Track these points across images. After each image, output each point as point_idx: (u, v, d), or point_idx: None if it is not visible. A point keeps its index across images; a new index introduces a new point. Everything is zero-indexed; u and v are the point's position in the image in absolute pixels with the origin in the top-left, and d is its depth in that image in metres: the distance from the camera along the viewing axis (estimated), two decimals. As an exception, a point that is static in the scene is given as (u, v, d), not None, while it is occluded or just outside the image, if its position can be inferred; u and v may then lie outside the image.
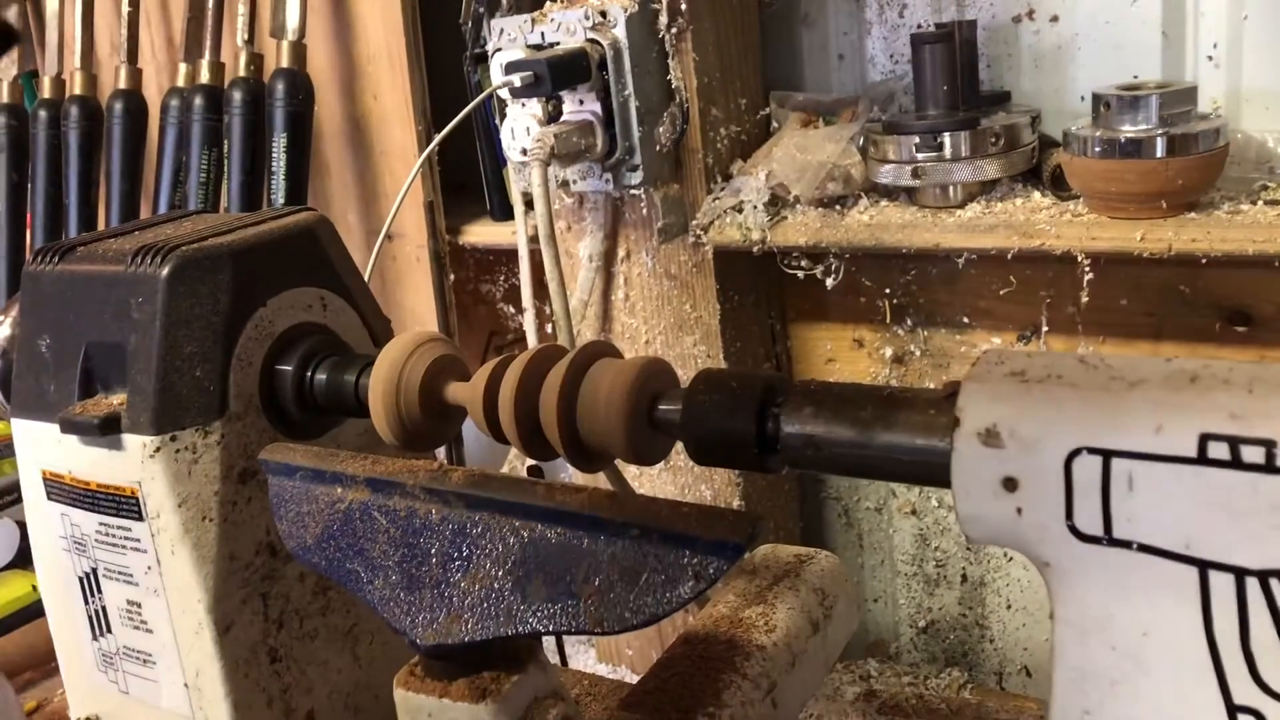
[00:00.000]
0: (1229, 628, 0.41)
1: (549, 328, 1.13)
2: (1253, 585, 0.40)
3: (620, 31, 0.98)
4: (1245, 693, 0.41)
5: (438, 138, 1.08)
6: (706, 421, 0.54)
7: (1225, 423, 0.40)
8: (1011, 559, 1.18)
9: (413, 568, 0.54)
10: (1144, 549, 0.42)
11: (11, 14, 1.64)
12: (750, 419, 0.52)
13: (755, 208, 1.02)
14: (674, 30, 1.01)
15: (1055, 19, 1.01)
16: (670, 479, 1.16)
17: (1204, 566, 0.41)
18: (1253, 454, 0.39)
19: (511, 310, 1.45)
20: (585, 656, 1.33)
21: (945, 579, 1.23)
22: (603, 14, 0.98)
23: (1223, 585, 0.41)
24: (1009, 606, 1.19)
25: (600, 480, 0.95)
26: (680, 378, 0.60)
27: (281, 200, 1.30)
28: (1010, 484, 0.44)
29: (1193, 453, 0.40)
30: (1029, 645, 1.20)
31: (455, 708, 0.51)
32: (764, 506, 1.20)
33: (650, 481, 1.16)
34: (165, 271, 0.66)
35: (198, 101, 1.38)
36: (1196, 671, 0.42)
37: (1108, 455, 0.42)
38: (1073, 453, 0.42)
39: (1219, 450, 0.40)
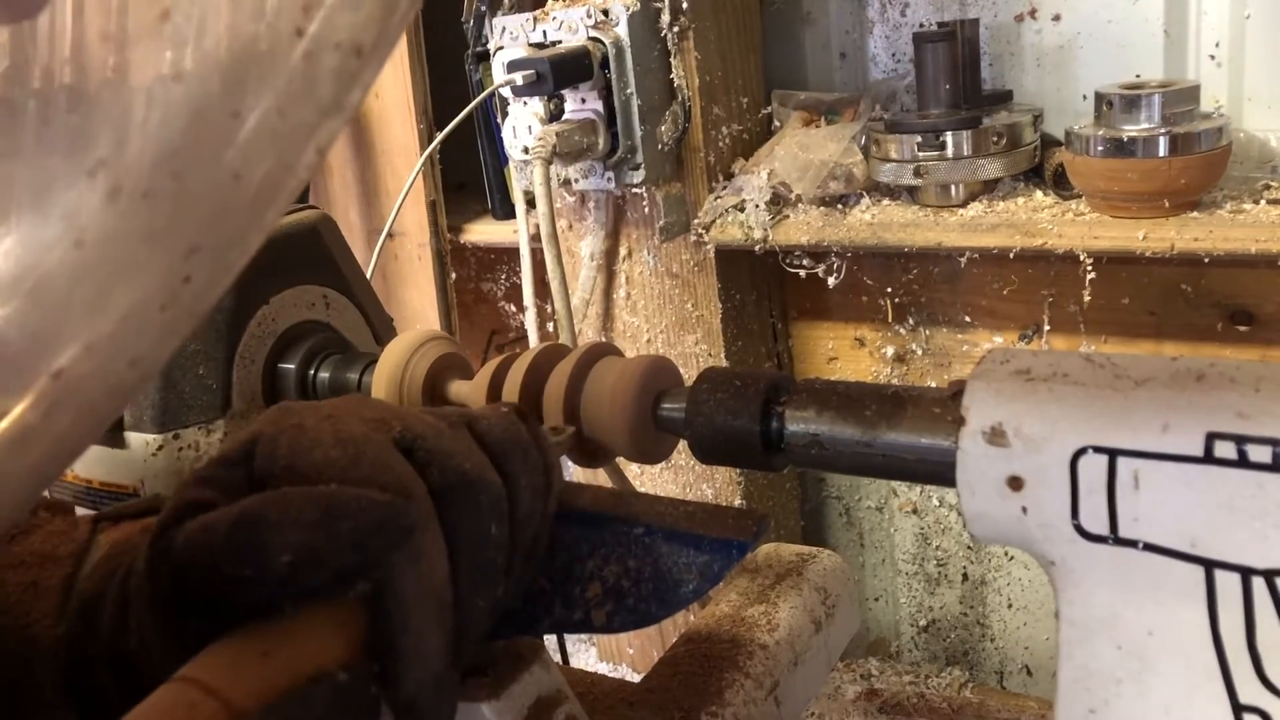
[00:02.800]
0: (1235, 627, 0.41)
1: (550, 326, 1.13)
2: (1259, 584, 0.40)
3: (622, 30, 0.98)
4: (1251, 692, 0.41)
5: (439, 136, 1.08)
6: (711, 420, 0.54)
7: (1232, 422, 0.40)
8: (1013, 558, 1.18)
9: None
10: (1149, 548, 0.42)
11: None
12: (754, 418, 0.52)
13: (757, 206, 1.02)
14: (676, 29, 1.00)
15: (1057, 18, 1.01)
16: (671, 477, 1.16)
17: (1210, 566, 0.41)
18: (1259, 453, 0.39)
19: (513, 309, 1.45)
20: (586, 655, 1.33)
21: (946, 578, 1.23)
22: (605, 12, 0.98)
23: (1229, 585, 0.41)
24: (1010, 605, 1.19)
25: (602, 478, 0.95)
26: (682, 376, 0.60)
27: (282, 198, 1.29)
28: (1015, 483, 0.44)
29: (1199, 452, 0.40)
30: (1030, 644, 1.20)
31: (460, 707, 0.51)
32: (765, 505, 1.20)
33: (651, 479, 1.16)
34: (168, 269, 0.66)
35: (198, 99, 1.37)
36: (1202, 671, 0.42)
37: (1113, 454, 0.42)
38: (1078, 451, 0.42)
39: (1225, 450, 0.40)
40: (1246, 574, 0.40)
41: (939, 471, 0.47)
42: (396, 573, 0.38)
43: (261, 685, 0.35)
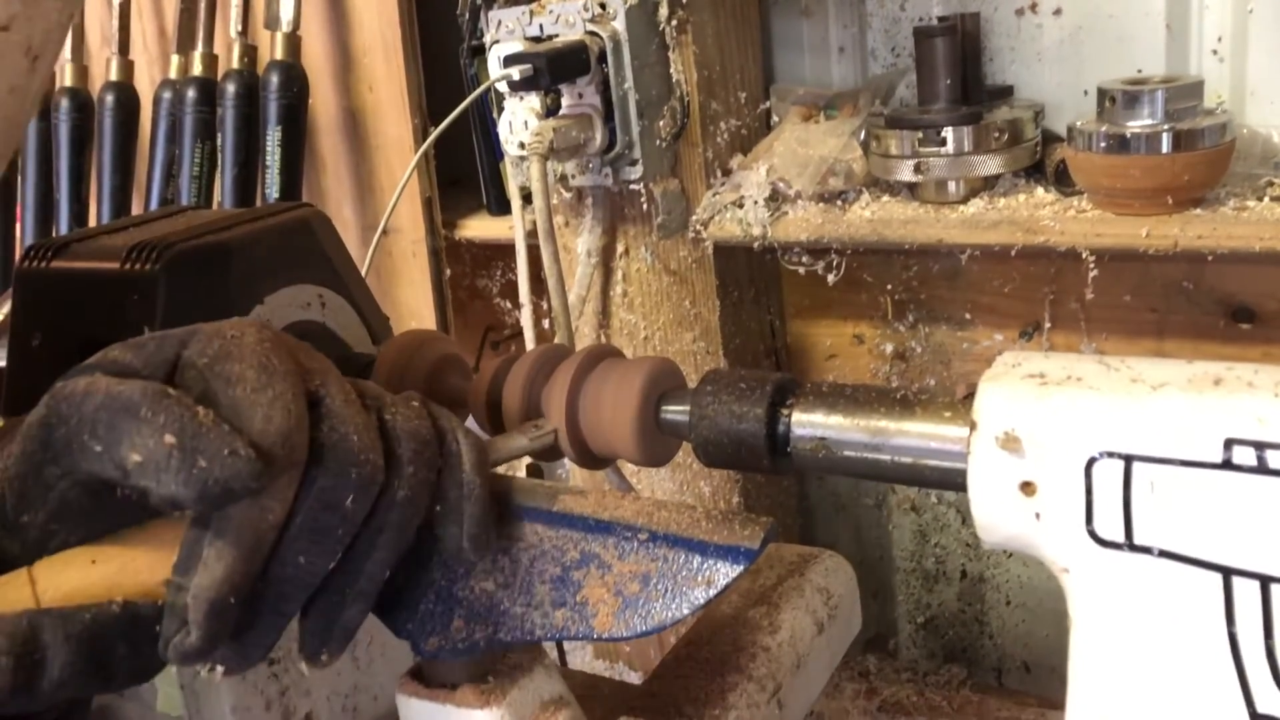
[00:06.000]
0: (1253, 635, 0.40)
1: (546, 323, 1.12)
2: (1278, 592, 0.39)
3: (620, 24, 0.97)
4: (1269, 701, 0.40)
5: (435, 132, 1.07)
6: (715, 424, 0.53)
7: (1251, 427, 0.39)
8: (1011, 555, 1.18)
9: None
10: (1165, 555, 0.41)
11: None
12: (760, 422, 0.51)
13: (756, 203, 1.01)
14: (674, 22, 0.99)
15: (1058, 12, 1.00)
16: (669, 475, 1.15)
17: (1228, 573, 0.40)
18: (1279, 460, 0.38)
19: (508, 305, 1.44)
20: (582, 653, 1.32)
21: (944, 575, 1.22)
22: (602, 6, 0.97)
23: (1247, 592, 0.40)
24: (1008, 603, 1.19)
25: (602, 479, 0.94)
26: (685, 378, 0.59)
27: (276, 194, 1.28)
28: (1028, 489, 0.43)
29: (1217, 458, 0.39)
30: (1029, 641, 1.19)
31: (460, 713, 0.50)
32: (763, 502, 1.19)
33: (649, 476, 1.15)
34: (161, 269, 0.65)
35: (190, 94, 1.36)
36: (1218, 679, 0.41)
37: (1129, 460, 0.41)
38: (1093, 457, 0.42)
39: (1244, 456, 0.39)
40: (1266, 582, 0.39)
41: (949, 477, 0.46)
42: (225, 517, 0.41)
43: (73, 591, 0.41)
